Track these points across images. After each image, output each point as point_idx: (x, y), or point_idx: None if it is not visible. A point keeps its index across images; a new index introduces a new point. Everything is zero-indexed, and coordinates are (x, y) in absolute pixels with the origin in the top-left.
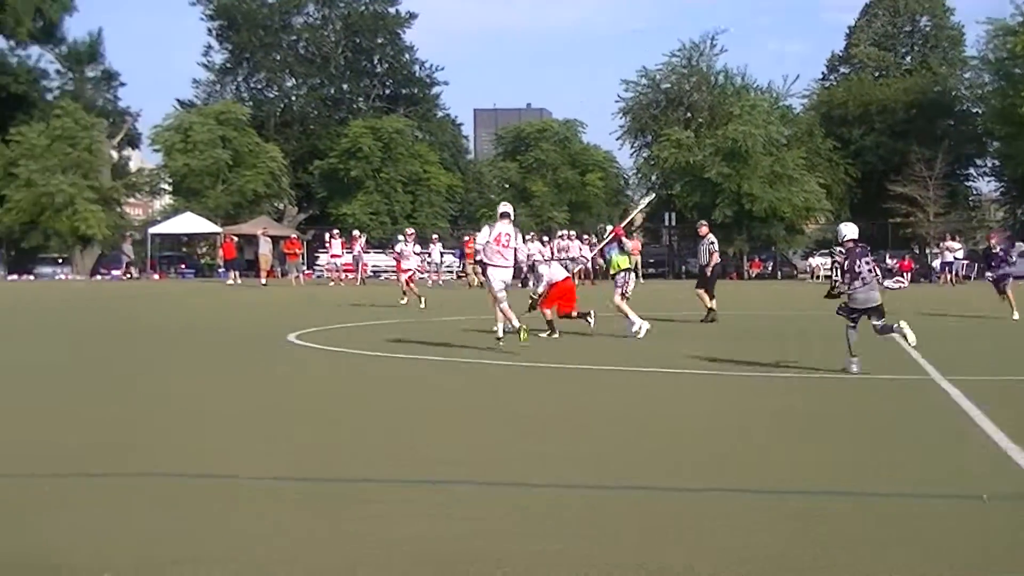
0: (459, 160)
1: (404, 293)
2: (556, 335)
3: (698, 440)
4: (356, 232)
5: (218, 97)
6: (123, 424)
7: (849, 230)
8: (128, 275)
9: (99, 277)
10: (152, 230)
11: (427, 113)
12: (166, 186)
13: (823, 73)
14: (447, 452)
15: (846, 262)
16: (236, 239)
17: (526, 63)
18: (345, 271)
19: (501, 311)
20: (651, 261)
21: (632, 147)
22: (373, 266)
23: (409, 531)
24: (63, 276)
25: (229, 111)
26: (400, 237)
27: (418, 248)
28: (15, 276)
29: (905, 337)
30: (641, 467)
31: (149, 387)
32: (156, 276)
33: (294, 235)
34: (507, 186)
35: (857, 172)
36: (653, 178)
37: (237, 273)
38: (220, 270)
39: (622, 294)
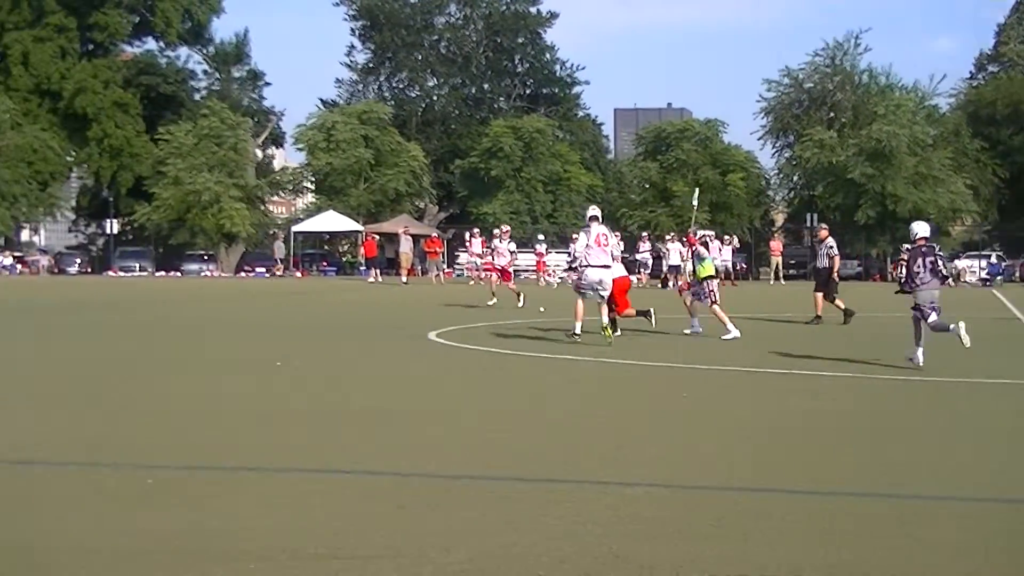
0: (599, 160)
1: (493, 293)
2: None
3: (796, 440)
4: (496, 231)
5: (360, 96)
6: (284, 422)
7: (921, 228)
8: (272, 272)
9: (243, 274)
10: (295, 228)
11: (568, 113)
12: (309, 184)
13: (971, 72)
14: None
15: (910, 261)
16: (377, 237)
17: (667, 62)
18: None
19: (576, 309)
20: (792, 262)
21: (774, 147)
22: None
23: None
24: (208, 273)
25: (371, 110)
26: (496, 232)
27: (513, 246)
28: (162, 273)
29: (961, 339)
30: (744, 466)
31: (304, 385)
32: (298, 274)
33: (434, 234)
34: (647, 186)
35: (1005, 173)
36: (795, 178)
37: (378, 271)
38: (361, 268)
39: (712, 301)
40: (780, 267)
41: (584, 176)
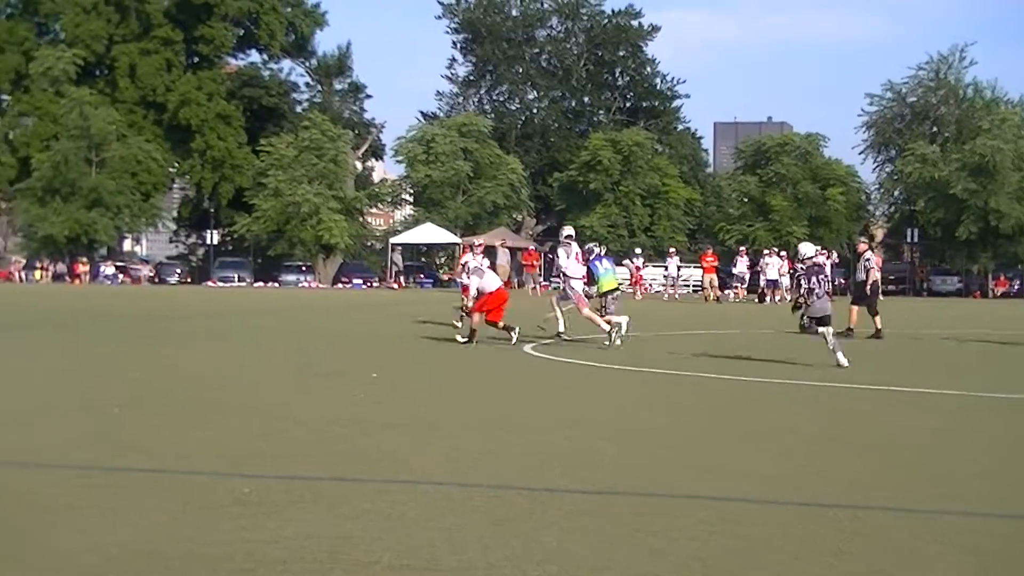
0: (698, 173)
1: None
2: (474, 344)
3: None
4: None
5: (460, 109)
6: (379, 433)
7: (808, 249)
8: (370, 284)
9: (340, 285)
10: (393, 240)
11: (667, 126)
12: (407, 196)
13: None
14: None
15: (804, 279)
16: None
17: (768, 76)
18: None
19: (557, 314)
20: (891, 278)
21: (875, 161)
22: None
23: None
24: (306, 284)
25: (471, 123)
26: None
27: (487, 262)
28: (260, 284)
29: (839, 361)
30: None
31: (398, 395)
32: (396, 285)
33: (532, 247)
34: (745, 200)
35: None
36: (895, 193)
37: None
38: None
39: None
40: (879, 282)
41: (682, 190)
